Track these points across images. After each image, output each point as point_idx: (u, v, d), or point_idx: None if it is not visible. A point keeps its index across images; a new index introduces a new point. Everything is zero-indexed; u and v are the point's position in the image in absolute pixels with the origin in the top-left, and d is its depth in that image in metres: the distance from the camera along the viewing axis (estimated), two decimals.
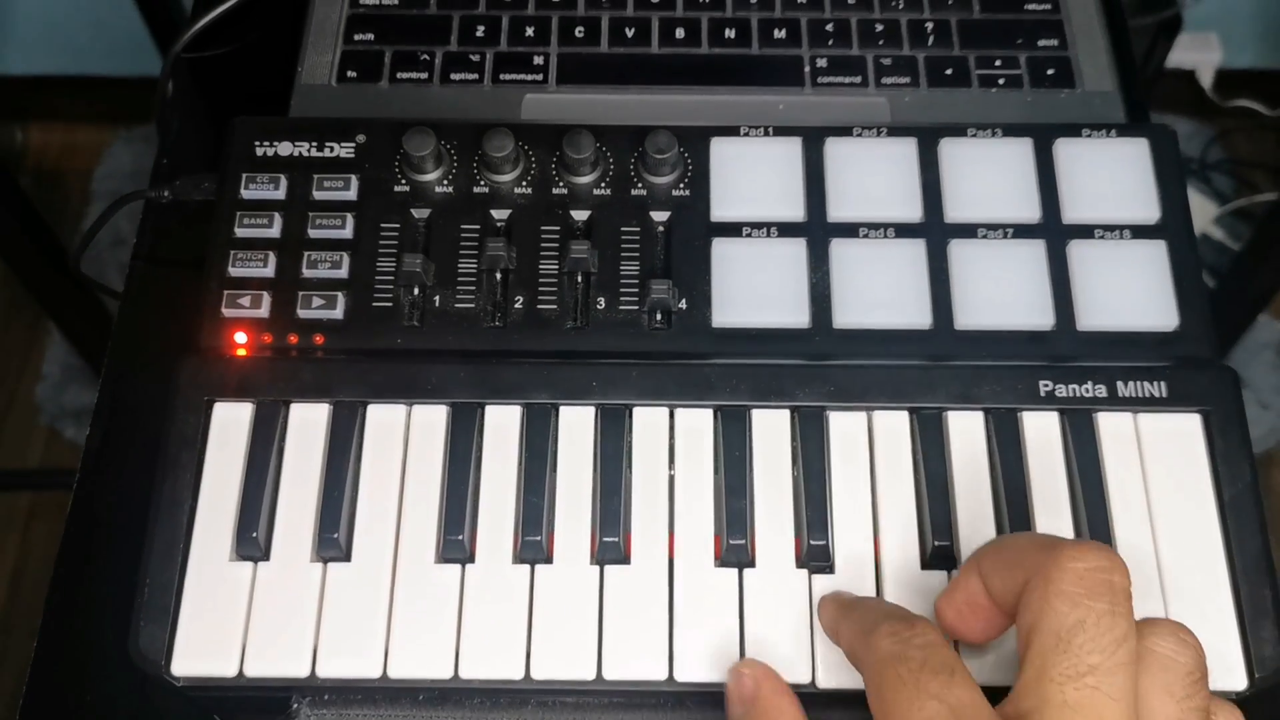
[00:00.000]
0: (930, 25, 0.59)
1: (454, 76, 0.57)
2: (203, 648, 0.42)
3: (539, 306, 0.49)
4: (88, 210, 1.50)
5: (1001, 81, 0.58)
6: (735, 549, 0.43)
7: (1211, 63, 1.56)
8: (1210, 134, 1.64)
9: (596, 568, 0.44)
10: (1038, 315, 0.48)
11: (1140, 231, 0.50)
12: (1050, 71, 0.58)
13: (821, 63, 0.58)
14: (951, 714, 0.32)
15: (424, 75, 0.57)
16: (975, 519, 0.44)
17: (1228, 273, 1.45)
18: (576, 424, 0.46)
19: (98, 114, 1.53)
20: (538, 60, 0.58)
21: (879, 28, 0.59)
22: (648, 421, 0.46)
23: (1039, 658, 0.33)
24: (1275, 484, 1.46)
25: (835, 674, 0.42)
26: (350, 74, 0.57)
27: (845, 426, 0.46)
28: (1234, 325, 1.39)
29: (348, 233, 0.50)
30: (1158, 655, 0.34)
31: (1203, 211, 1.59)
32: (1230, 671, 0.42)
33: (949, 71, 0.58)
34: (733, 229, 0.50)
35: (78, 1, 1.42)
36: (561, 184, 0.51)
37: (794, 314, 0.48)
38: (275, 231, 0.50)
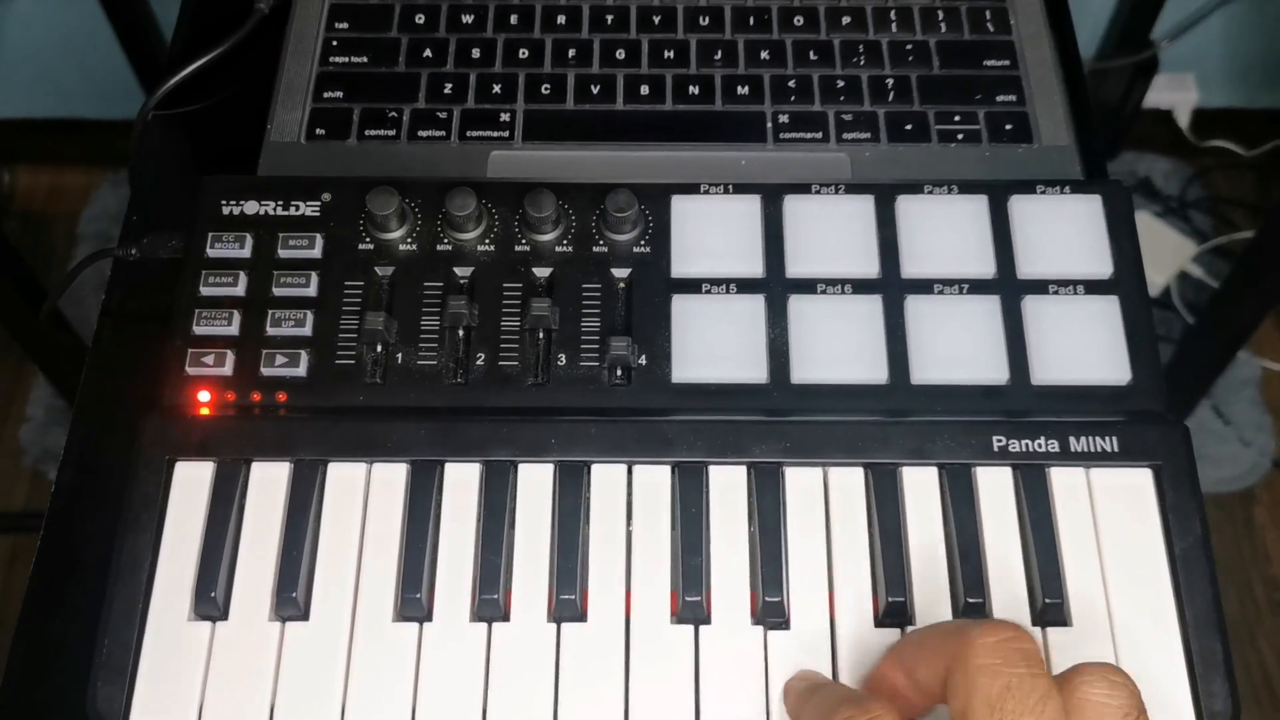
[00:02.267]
0: (890, 81, 0.60)
1: (421, 134, 0.58)
2: (160, 707, 0.43)
3: (500, 363, 0.49)
4: (74, 252, 1.51)
5: (960, 136, 0.59)
6: (691, 605, 0.44)
7: (1188, 103, 1.58)
8: (1189, 173, 1.66)
9: (553, 625, 0.44)
10: (992, 370, 0.49)
11: (1094, 287, 0.51)
12: (1008, 127, 0.59)
13: (784, 119, 0.59)
14: None
15: (392, 132, 0.58)
16: (929, 573, 0.45)
17: (1206, 310, 1.46)
18: (535, 481, 0.46)
19: (85, 157, 1.54)
20: (504, 117, 0.59)
21: (840, 84, 0.60)
22: (606, 478, 0.46)
23: None
24: (1258, 521, 1.46)
25: None
26: (319, 131, 0.58)
27: (801, 482, 0.46)
28: (1213, 363, 1.40)
29: (312, 291, 0.50)
30: (1090, 702, 0.35)
31: (1182, 249, 1.61)
32: None
33: (909, 127, 0.59)
34: (692, 285, 0.51)
35: (66, 45, 1.43)
36: (524, 241, 0.52)
37: (752, 369, 0.49)
38: (240, 290, 0.50)
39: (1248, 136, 1.61)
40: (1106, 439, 0.47)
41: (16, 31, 1.42)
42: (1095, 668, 0.36)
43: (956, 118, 0.59)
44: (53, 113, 1.53)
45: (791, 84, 0.60)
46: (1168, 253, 1.60)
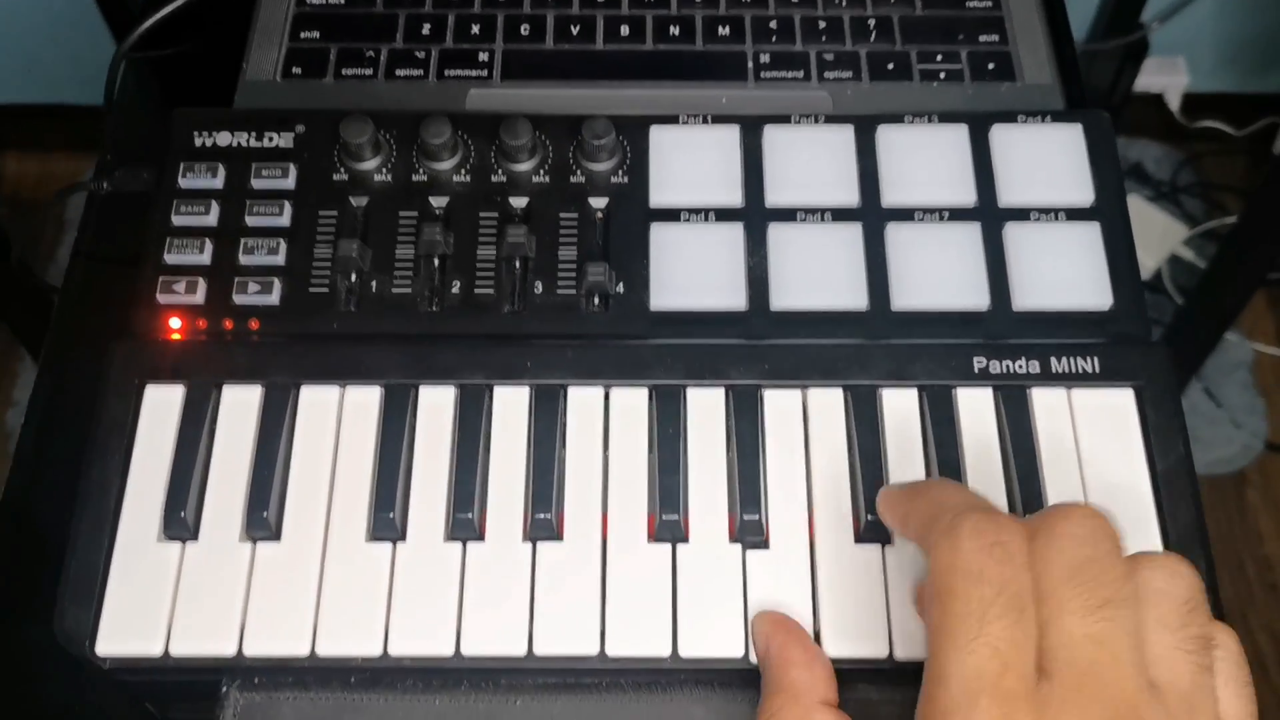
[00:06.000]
0: (873, 21, 0.60)
1: (399, 73, 0.57)
2: (128, 627, 0.42)
3: (476, 291, 0.49)
4: (63, 238, 1.50)
5: (943, 75, 0.58)
6: (668, 524, 0.43)
7: (1179, 86, 1.58)
8: (1180, 158, 1.66)
9: (529, 545, 0.43)
10: (973, 296, 0.48)
11: (1075, 214, 0.50)
12: (991, 66, 0.59)
13: (765, 58, 0.59)
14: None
15: (369, 71, 0.57)
16: None
17: (1194, 291, 1.46)
18: (510, 404, 0.46)
19: (73, 143, 1.53)
20: (482, 57, 0.58)
21: (822, 24, 0.60)
22: (582, 401, 0.46)
23: (1055, 593, 0.33)
24: (1249, 502, 1.46)
25: None
26: (295, 70, 0.57)
27: (780, 404, 0.46)
28: (1202, 344, 1.40)
29: (285, 221, 0.50)
30: (1151, 589, 0.34)
31: (1172, 233, 1.61)
32: None
33: (891, 66, 0.59)
34: (671, 214, 0.50)
35: (55, 33, 1.43)
36: (500, 172, 0.51)
37: (731, 297, 0.48)
38: (212, 220, 0.50)
39: (1238, 120, 1.61)
40: (1088, 360, 0.46)
41: (3, 18, 1.42)
42: (1156, 556, 0.35)
43: (939, 57, 0.59)
44: (40, 99, 1.53)
45: (773, 24, 0.60)
46: (1158, 236, 1.60)
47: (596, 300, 0.49)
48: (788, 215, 0.50)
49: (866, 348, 0.47)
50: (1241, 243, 1.29)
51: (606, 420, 0.46)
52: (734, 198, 0.51)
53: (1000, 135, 0.52)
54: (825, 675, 0.39)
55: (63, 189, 0.55)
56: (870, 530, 0.43)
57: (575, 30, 0.59)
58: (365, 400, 0.46)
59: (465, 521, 0.43)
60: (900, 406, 0.46)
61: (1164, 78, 1.57)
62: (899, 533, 0.42)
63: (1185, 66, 1.57)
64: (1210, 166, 1.67)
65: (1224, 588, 1.42)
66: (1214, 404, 1.50)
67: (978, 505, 0.36)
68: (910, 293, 0.49)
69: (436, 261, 0.49)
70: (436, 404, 0.46)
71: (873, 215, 0.50)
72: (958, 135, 0.52)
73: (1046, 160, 0.51)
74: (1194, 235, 1.60)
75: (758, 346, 0.47)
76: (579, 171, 0.51)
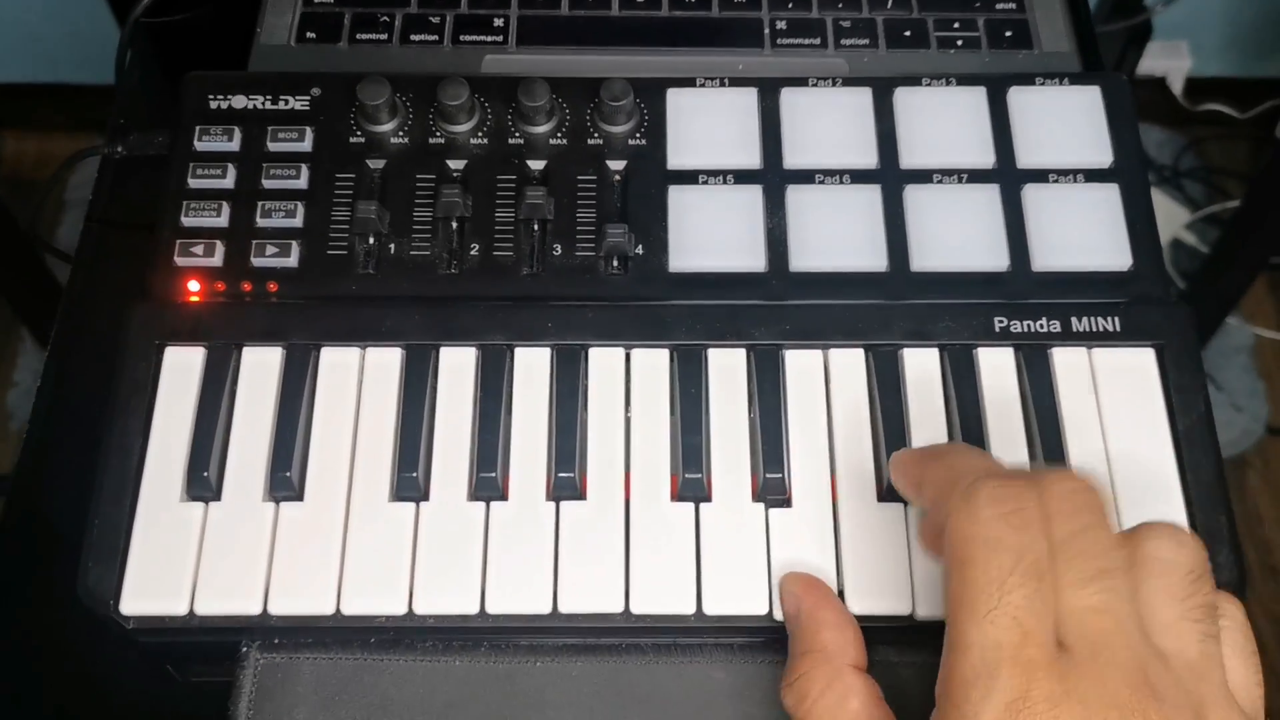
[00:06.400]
0: None
1: (414, 37, 0.57)
2: (152, 587, 0.42)
3: (495, 253, 0.48)
4: (62, 218, 1.50)
5: (960, 43, 0.58)
6: (691, 483, 0.43)
7: (1182, 70, 1.58)
8: (1182, 142, 1.66)
9: (552, 504, 0.43)
10: (993, 257, 0.48)
11: (1094, 175, 0.50)
12: (1008, 33, 0.58)
13: (781, 25, 0.58)
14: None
15: (384, 36, 0.57)
16: None
17: (1196, 275, 1.47)
18: (532, 364, 0.46)
19: (72, 123, 1.52)
20: (498, 22, 0.58)
21: None
22: (603, 362, 0.46)
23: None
24: (1250, 485, 1.46)
25: None
26: (309, 35, 0.57)
27: (801, 363, 0.46)
28: (1203, 328, 1.40)
29: (302, 183, 0.50)
30: (1156, 560, 0.34)
31: (1175, 217, 1.61)
32: None
33: (907, 33, 0.58)
34: (689, 176, 0.50)
35: (53, 10, 1.42)
36: (517, 134, 0.51)
37: (750, 258, 0.48)
38: (229, 182, 0.50)
39: (1241, 104, 1.61)
40: (1109, 319, 0.46)
41: None
42: (1160, 526, 0.35)
43: (956, 24, 0.59)
44: (40, 78, 1.52)
45: None
46: (1161, 220, 1.59)
47: (616, 262, 0.48)
48: (806, 177, 0.50)
49: (887, 308, 0.47)
50: (1243, 227, 1.29)
51: (628, 381, 0.46)
52: (752, 159, 0.51)
53: (1018, 98, 0.52)
54: (856, 638, 0.39)
55: (75, 153, 0.55)
56: (892, 489, 0.43)
57: None
58: (386, 361, 0.46)
59: (489, 480, 0.43)
60: (922, 366, 0.46)
61: (1167, 61, 1.57)
62: (912, 499, 0.42)
63: (1189, 50, 1.57)
64: (1213, 150, 1.66)
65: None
66: (1215, 388, 1.50)
67: (994, 470, 0.36)
68: (930, 254, 0.48)
69: (455, 224, 0.49)
70: (458, 364, 0.46)
71: (891, 177, 0.50)
72: (976, 98, 0.52)
73: (1065, 122, 0.51)
74: (1196, 219, 1.60)
75: (778, 307, 0.47)
76: (596, 134, 0.51)
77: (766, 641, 0.42)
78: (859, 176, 0.50)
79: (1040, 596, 0.32)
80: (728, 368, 0.46)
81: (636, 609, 0.41)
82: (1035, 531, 0.33)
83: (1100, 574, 0.33)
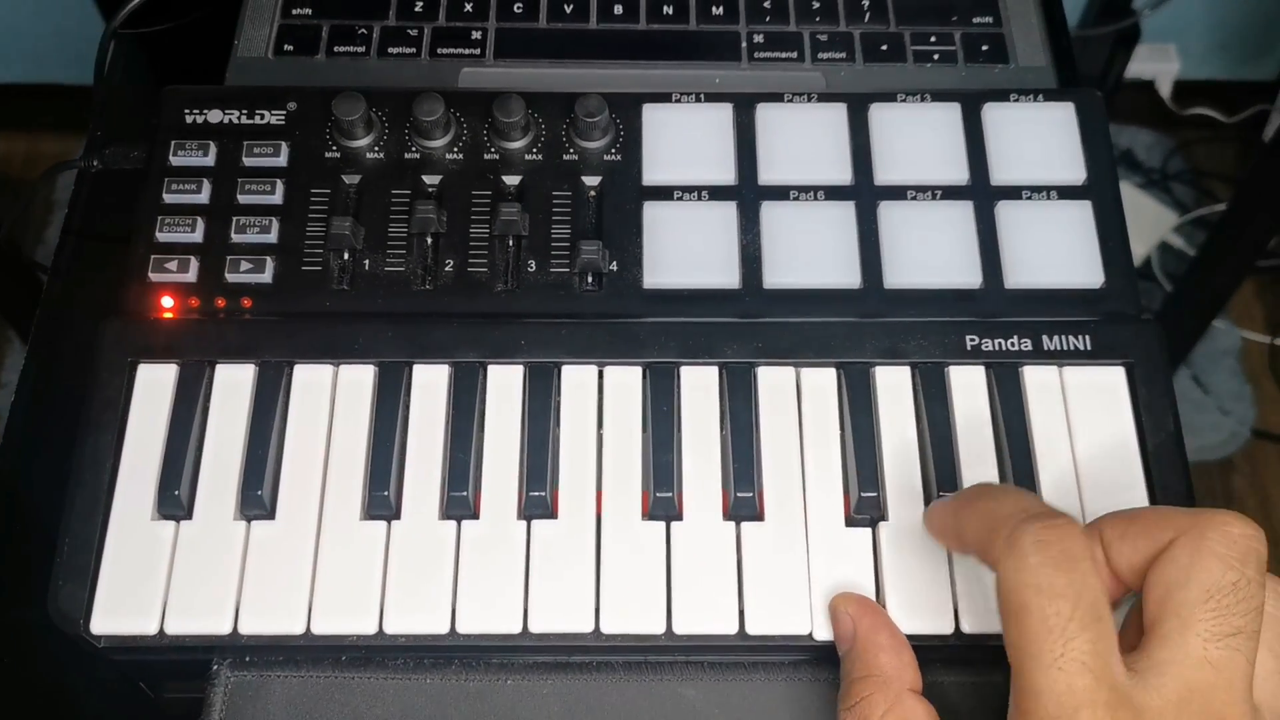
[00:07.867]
0: (866, 2, 0.60)
1: (391, 50, 0.57)
2: (123, 606, 0.42)
3: (469, 269, 0.49)
4: (51, 219, 1.49)
5: (936, 57, 0.58)
6: (662, 502, 0.43)
7: (1170, 73, 1.58)
8: (1170, 145, 1.66)
9: (524, 523, 0.43)
10: (966, 274, 0.49)
11: (1066, 192, 0.50)
12: (984, 48, 0.59)
13: (758, 38, 0.59)
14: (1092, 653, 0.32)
15: (361, 49, 0.57)
16: (902, 471, 0.44)
17: (1183, 278, 1.47)
18: (504, 383, 0.46)
19: (61, 123, 1.52)
20: (475, 35, 0.58)
21: (815, 4, 0.59)
22: (576, 380, 0.46)
23: (1184, 611, 0.33)
24: (1237, 489, 1.47)
25: (762, 622, 0.41)
26: (287, 47, 0.57)
27: (773, 381, 0.46)
28: (1190, 331, 1.40)
29: (277, 198, 0.50)
30: (1274, 618, 0.34)
31: (1163, 220, 1.61)
32: None
33: (884, 47, 0.58)
34: (664, 192, 0.50)
35: (41, 9, 1.41)
36: (493, 149, 0.51)
37: (724, 275, 0.48)
38: (204, 197, 0.50)
39: (1229, 107, 1.61)
40: (1079, 338, 0.46)
41: None
42: (1271, 579, 0.35)
43: (932, 38, 0.59)
44: (29, 78, 1.51)
45: (766, 4, 0.59)
46: (1149, 224, 1.61)
47: (590, 278, 0.49)
48: (781, 193, 0.50)
49: (860, 325, 0.47)
50: (1231, 230, 1.29)
51: (600, 398, 0.46)
52: (727, 176, 0.51)
53: (993, 114, 0.52)
54: (911, 661, 0.39)
55: (51, 167, 0.55)
56: (862, 506, 0.43)
57: (568, 9, 0.59)
58: (359, 379, 0.46)
59: (460, 499, 0.43)
60: (893, 384, 0.46)
61: (1155, 64, 1.57)
62: (955, 550, 0.41)
63: (1176, 53, 1.57)
64: (1200, 153, 1.67)
65: None
66: (1202, 391, 1.51)
67: (1031, 510, 0.35)
68: (903, 271, 0.49)
69: (429, 239, 0.49)
70: (430, 382, 0.46)
71: (866, 193, 0.50)
72: (950, 114, 0.52)
73: (1039, 139, 0.51)
74: (1184, 222, 1.61)
75: (751, 324, 0.47)
76: (572, 149, 0.51)
77: (737, 659, 0.42)
78: (833, 193, 0.50)
79: (1103, 638, 0.32)
80: (700, 386, 0.46)
81: (607, 628, 0.42)
82: (1085, 569, 0.33)
83: (1237, 633, 0.33)
